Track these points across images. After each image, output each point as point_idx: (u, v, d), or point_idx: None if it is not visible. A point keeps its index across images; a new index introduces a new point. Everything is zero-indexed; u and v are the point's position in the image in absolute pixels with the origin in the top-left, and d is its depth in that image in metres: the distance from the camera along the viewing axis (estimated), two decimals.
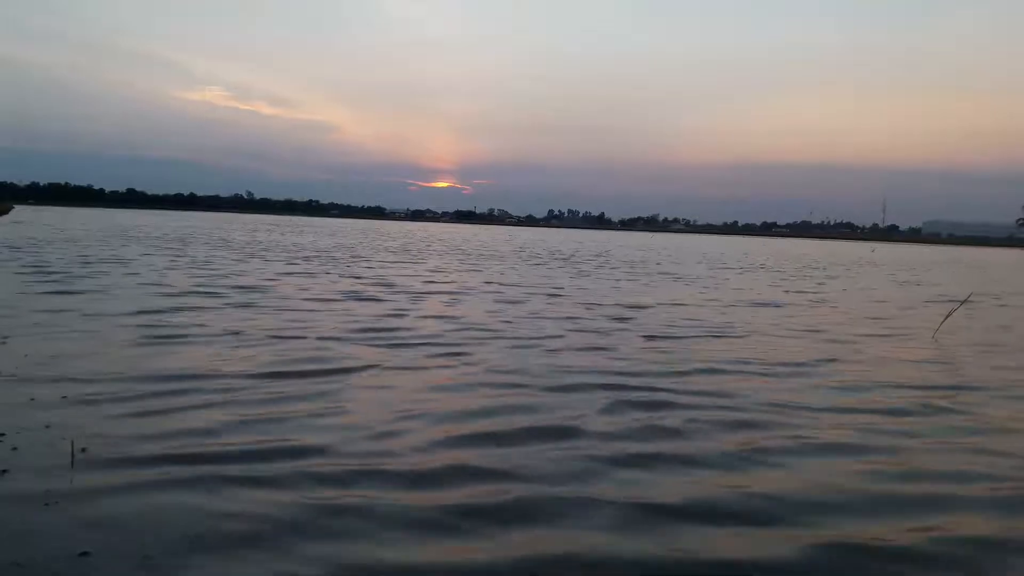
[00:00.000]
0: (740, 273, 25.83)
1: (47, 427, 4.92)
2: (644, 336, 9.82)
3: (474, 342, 8.87)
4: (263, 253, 26.21)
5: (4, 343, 7.72)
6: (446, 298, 13.73)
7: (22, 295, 11.41)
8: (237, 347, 7.97)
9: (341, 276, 17.67)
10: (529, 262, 27.58)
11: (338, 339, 8.71)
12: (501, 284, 17.16)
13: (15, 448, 4.51)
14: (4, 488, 3.94)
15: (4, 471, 4.15)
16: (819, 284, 21.92)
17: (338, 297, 13.14)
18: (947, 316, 11.91)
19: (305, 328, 9.40)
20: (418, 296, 13.87)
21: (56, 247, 23.74)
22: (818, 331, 11.09)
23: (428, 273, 20.05)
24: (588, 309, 12.71)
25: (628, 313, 12.29)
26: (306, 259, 23.67)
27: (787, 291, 18.75)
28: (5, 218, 58.20)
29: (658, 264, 29.89)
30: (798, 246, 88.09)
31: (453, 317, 11.05)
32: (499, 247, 44.11)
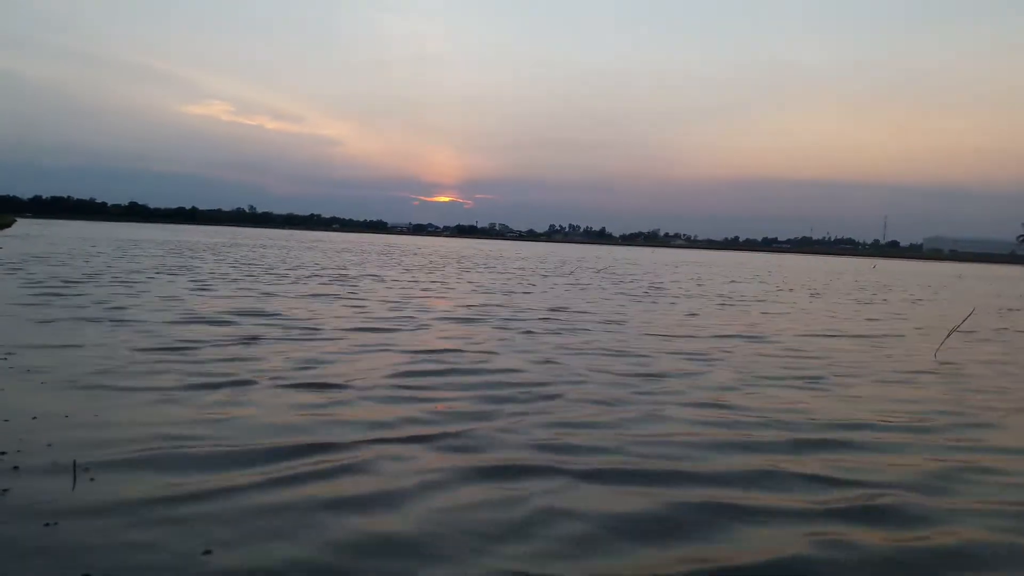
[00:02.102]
0: (801, 294, 24.40)
1: (49, 446, 4.89)
2: (757, 381, 8.33)
3: (562, 384, 7.36)
4: (287, 272, 24.83)
5: (6, 359, 7.65)
6: (497, 324, 12.22)
7: (26, 315, 10.15)
8: (272, 401, 6.48)
9: (380, 300, 16.26)
10: (569, 281, 26.16)
11: (399, 388, 7.15)
12: (553, 310, 15.73)
13: (16, 467, 4.45)
14: (4, 508, 3.90)
15: (5, 490, 4.09)
16: (905, 306, 20.48)
17: (384, 326, 11.71)
18: (949, 334, 12.11)
19: (355, 372, 7.81)
20: (467, 321, 12.43)
21: (63, 264, 22.39)
22: (1002, 374, 9.68)
23: (468, 295, 18.66)
24: (665, 341, 11.32)
25: (713, 349, 10.86)
26: (331, 279, 22.26)
27: (873, 318, 17.14)
28: (8, 231, 57.12)
29: (701, 284, 28.47)
30: (817, 263, 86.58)
31: (517, 352, 9.56)
32: (529, 264, 42.47)
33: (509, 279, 26.57)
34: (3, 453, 4.70)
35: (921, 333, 14.38)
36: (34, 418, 5.54)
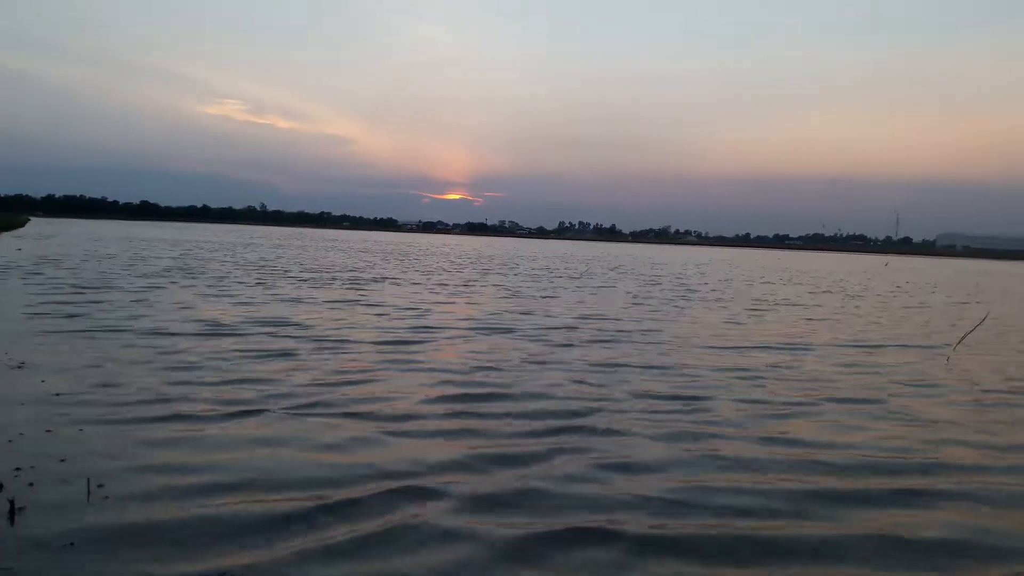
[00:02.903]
0: (869, 298, 23.70)
1: (62, 461, 4.87)
2: (821, 405, 7.79)
3: (608, 412, 6.85)
4: (305, 276, 24.42)
5: (20, 368, 7.66)
6: (529, 336, 11.64)
7: (41, 326, 9.78)
8: (295, 431, 6.00)
9: (404, 308, 15.76)
10: (594, 284, 25.57)
11: (435, 417, 6.64)
12: (584, 318, 15.18)
13: (31, 484, 4.42)
14: (21, 527, 3.87)
15: (21, 508, 4.05)
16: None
17: (412, 337, 11.27)
18: (965, 335, 11.81)
19: (385, 397, 7.25)
20: (498, 332, 11.88)
21: (79, 268, 22.09)
22: None
23: (495, 301, 18.14)
24: (709, 354, 10.72)
25: (762, 363, 10.27)
26: (351, 283, 21.86)
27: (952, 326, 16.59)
28: (22, 231, 57.07)
29: (728, 285, 27.77)
30: (832, 261, 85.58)
31: (554, 370, 9.03)
32: (550, 265, 41.87)
33: (534, 282, 25.98)
34: (18, 469, 4.65)
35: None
36: (48, 431, 5.52)
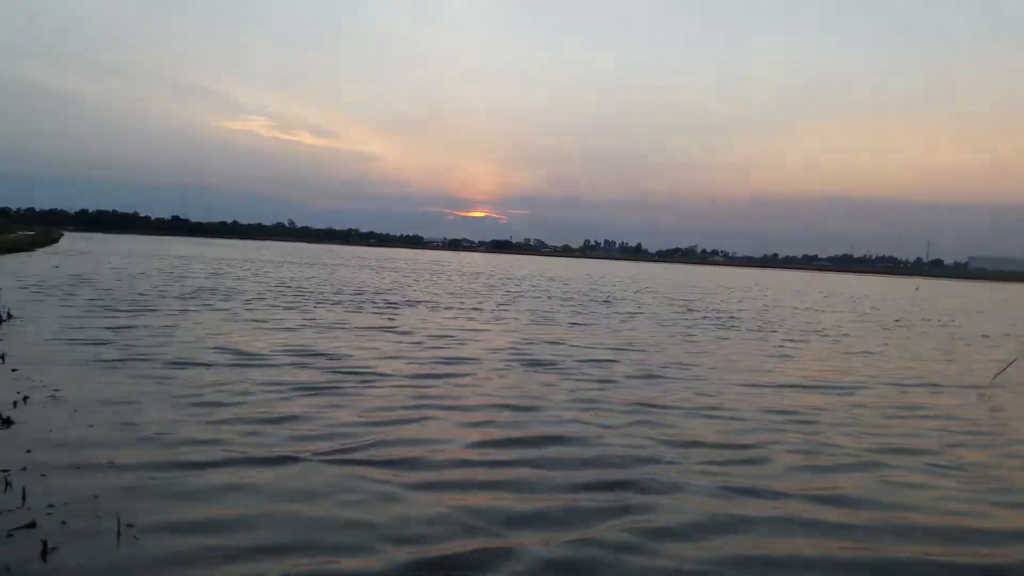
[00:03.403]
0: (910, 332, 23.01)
1: (95, 498, 4.89)
2: (898, 465, 7.31)
3: (657, 470, 6.46)
4: (339, 299, 24.33)
5: (54, 396, 7.73)
6: (568, 371, 11.32)
7: (81, 352, 9.66)
8: (331, 482, 5.70)
9: (440, 336, 15.50)
10: (629, 310, 25.18)
11: (475, 472, 6.32)
12: (623, 350, 14.78)
13: (64, 522, 4.46)
14: (51, 568, 3.90)
15: (53, 548, 4.09)
16: None
17: (448, 371, 10.98)
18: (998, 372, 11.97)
19: (425, 442, 6.94)
20: (538, 366, 11.54)
21: (113, 289, 22.25)
22: None
23: (530, 328, 17.81)
24: (764, 395, 10.28)
25: (825, 405, 9.81)
26: (384, 306, 21.73)
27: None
28: (56, 247, 58.09)
29: (785, 310, 27.11)
30: (866, 284, 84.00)
31: (597, 413, 8.66)
32: (581, 288, 41.45)
33: (567, 308, 25.60)
34: (51, 505, 4.70)
35: None
36: (79, 467, 5.54)
